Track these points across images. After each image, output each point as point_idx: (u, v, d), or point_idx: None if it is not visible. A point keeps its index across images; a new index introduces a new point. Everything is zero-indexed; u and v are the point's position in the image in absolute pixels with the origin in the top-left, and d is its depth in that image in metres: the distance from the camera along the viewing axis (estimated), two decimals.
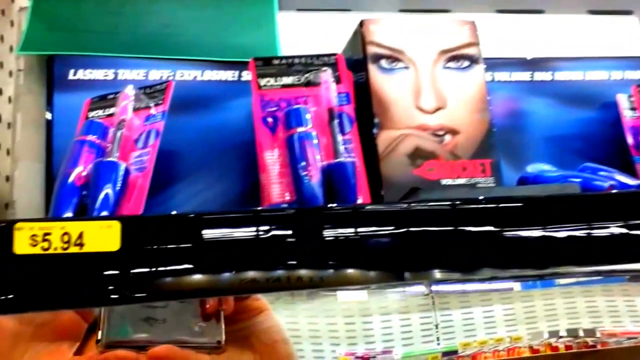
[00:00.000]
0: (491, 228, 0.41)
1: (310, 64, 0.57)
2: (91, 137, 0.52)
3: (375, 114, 0.56)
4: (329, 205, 0.48)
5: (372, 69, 0.58)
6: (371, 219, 0.40)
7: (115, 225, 0.38)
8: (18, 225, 0.37)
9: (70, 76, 0.60)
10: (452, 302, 1.81)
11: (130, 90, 0.55)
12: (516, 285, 1.87)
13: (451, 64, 0.59)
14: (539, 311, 1.88)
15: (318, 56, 0.58)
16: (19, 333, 0.45)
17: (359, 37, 0.59)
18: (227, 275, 0.38)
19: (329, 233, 0.39)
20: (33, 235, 0.37)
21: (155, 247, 0.38)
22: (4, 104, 0.68)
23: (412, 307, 1.75)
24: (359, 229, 0.39)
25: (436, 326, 1.77)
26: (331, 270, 0.39)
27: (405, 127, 0.56)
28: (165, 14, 0.65)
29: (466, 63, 0.59)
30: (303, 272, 0.38)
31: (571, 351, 1.77)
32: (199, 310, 0.48)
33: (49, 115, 0.59)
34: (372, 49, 0.58)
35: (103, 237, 0.37)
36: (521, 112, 0.67)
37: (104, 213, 0.48)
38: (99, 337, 0.46)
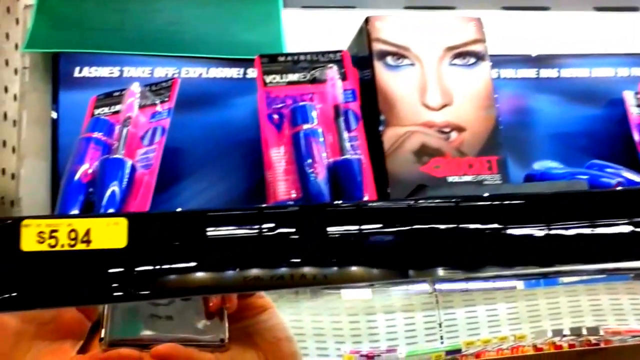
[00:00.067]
0: (495, 225, 0.41)
1: (316, 60, 0.57)
2: (97, 134, 0.52)
3: (381, 111, 0.56)
4: (333, 203, 0.48)
5: (378, 66, 0.57)
6: (375, 216, 0.40)
7: (122, 222, 0.38)
8: (25, 222, 0.37)
9: (76, 74, 0.60)
10: (455, 300, 1.81)
11: (136, 88, 0.55)
12: (520, 284, 1.87)
13: (457, 61, 0.59)
14: (542, 310, 1.87)
15: (324, 53, 0.58)
16: (22, 331, 0.46)
17: (365, 34, 0.59)
18: (231, 272, 0.38)
19: (332, 230, 0.39)
20: (40, 232, 0.37)
21: (162, 244, 0.38)
22: (10, 101, 0.68)
23: (416, 305, 1.75)
24: (363, 226, 0.39)
25: (440, 325, 1.76)
26: (335, 268, 0.39)
27: (411, 124, 0.56)
28: (170, 11, 0.65)
29: (472, 60, 0.59)
30: (307, 270, 0.38)
31: (575, 349, 1.76)
32: (203, 309, 0.48)
33: (54, 113, 0.59)
34: (377, 46, 0.58)
35: (110, 234, 0.38)
36: (527, 109, 0.66)
37: (111, 210, 0.48)
38: (102, 335, 0.46)
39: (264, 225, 0.39)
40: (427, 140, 0.56)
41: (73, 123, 0.57)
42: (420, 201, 0.42)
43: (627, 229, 0.43)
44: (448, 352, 1.73)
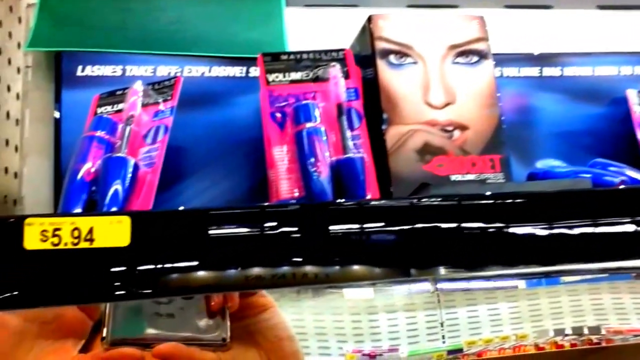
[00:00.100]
0: (498, 224, 0.41)
1: (319, 59, 0.57)
2: (100, 133, 0.52)
3: (384, 110, 0.56)
4: (334, 201, 0.48)
5: (381, 64, 0.57)
6: (377, 214, 0.40)
7: (125, 221, 0.38)
8: (28, 220, 0.37)
9: (79, 72, 0.60)
10: (457, 299, 1.81)
11: (138, 86, 0.55)
12: (521, 283, 1.87)
13: (460, 59, 0.58)
14: (544, 309, 1.87)
15: (326, 51, 0.57)
16: (24, 331, 0.46)
17: (367, 32, 0.59)
18: (234, 270, 0.38)
19: (334, 229, 0.39)
20: (43, 231, 0.37)
21: (165, 242, 0.38)
22: (12, 100, 0.68)
23: (417, 305, 1.75)
24: (365, 225, 0.39)
25: (441, 324, 1.76)
26: (337, 267, 0.39)
27: (414, 122, 0.56)
28: (172, 10, 0.65)
29: (475, 58, 0.59)
30: (309, 269, 0.38)
31: (578, 348, 1.76)
32: (204, 308, 0.48)
33: (56, 112, 0.59)
34: (380, 45, 0.58)
35: (113, 232, 0.37)
36: (530, 107, 0.66)
37: (114, 209, 0.48)
38: (104, 334, 0.46)
39: (266, 224, 0.39)
40: (430, 138, 0.56)
41: (75, 122, 0.57)
42: (423, 200, 0.41)
43: (630, 227, 0.43)
44: (450, 352, 1.73)
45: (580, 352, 1.79)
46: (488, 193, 0.42)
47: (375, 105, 0.57)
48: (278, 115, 0.54)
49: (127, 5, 0.64)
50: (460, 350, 1.74)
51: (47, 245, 0.37)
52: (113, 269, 0.37)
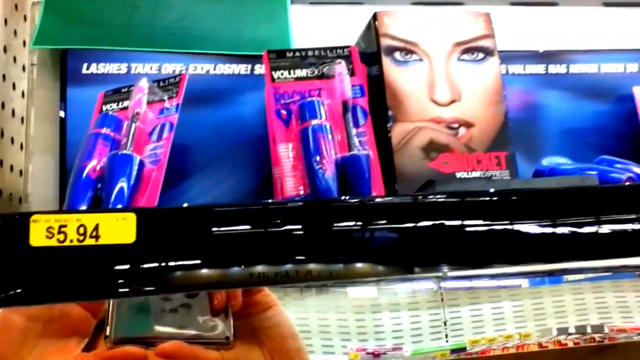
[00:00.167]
0: (502, 222, 0.41)
1: (324, 56, 0.57)
2: (106, 130, 0.52)
3: (389, 107, 0.56)
4: (338, 198, 0.48)
5: (386, 61, 0.57)
6: (380, 212, 0.40)
7: (131, 218, 0.38)
8: (34, 217, 0.37)
9: (84, 70, 0.60)
10: (460, 298, 1.81)
11: (144, 83, 0.55)
12: (525, 282, 1.87)
13: (466, 56, 0.58)
14: (547, 308, 1.87)
15: (332, 49, 0.57)
16: (28, 330, 0.46)
17: (373, 29, 0.59)
18: (238, 267, 0.38)
19: (338, 226, 0.39)
20: (49, 228, 0.37)
21: (170, 238, 0.38)
22: (18, 98, 0.68)
23: (421, 303, 1.75)
24: (368, 222, 0.39)
25: (445, 323, 1.76)
26: (340, 264, 0.39)
27: (420, 119, 0.56)
28: (178, 7, 0.65)
29: (481, 55, 0.58)
30: (312, 266, 0.38)
31: (582, 345, 1.76)
32: (208, 307, 0.48)
33: (62, 109, 0.59)
34: (386, 42, 0.58)
35: (119, 229, 0.37)
36: (536, 105, 0.66)
37: (119, 206, 0.48)
38: (107, 333, 0.46)
39: (270, 221, 0.39)
40: (436, 136, 0.56)
41: (81, 119, 0.57)
42: (427, 197, 0.41)
43: (638, 225, 0.42)
44: (453, 351, 1.73)
45: (586, 350, 1.78)
46: (492, 190, 0.42)
47: (380, 103, 0.57)
48: (283, 112, 0.54)
49: (132, 3, 0.64)
50: (463, 349, 1.74)
51: (53, 242, 0.37)
52: (119, 266, 0.37)
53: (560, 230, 0.41)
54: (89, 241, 0.37)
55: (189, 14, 0.65)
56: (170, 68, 0.62)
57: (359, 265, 0.39)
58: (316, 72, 0.56)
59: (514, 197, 0.42)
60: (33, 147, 0.63)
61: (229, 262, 0.38)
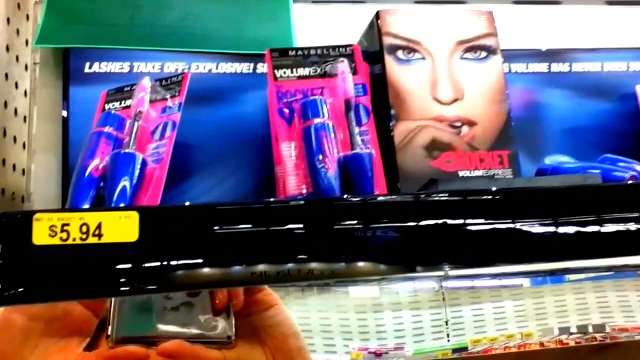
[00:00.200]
0: (505, 220, 0.40)
1: (327, 55, 0.57)
2: (108, 129, 0.52)
3: (392, 105, 0.56)
4: (339, 197, 0.48)
5: (389, 60, 0.57)
6: (382, 210, 0.40)
7: (134, 216, 0.38)
8: (37, 215, 0.37)
9: (86, 69, 0.60)
10: (462, 298, 1.81)
11: (146, 82, 0.55)
12: (526, 282, 1.87)
13: (468, 55, 0.58)
14: (549, 307, 1.87)
15: (334, 47, 0.57)
16: (29, 329, 0.45)
17: (375, 28, 0.59)
18: (239, 266, 0.38)
19: (340, 225, 0.39)
20: (52, 226, 0.37)
21: (173, 237, 0.38)
22: (20, 97, 0.68)
23: (422, 303, 1.75)
24: (370, 221, 0.39)
25: (446, 322, 1.76)
26: (342, 262, 0.39)
27: (422, 118, 0.56)
28: (180, 6, 0.65)
29: (484, 54, 0.58)
30: (314, 265, 0.38)
31: (584, 344, 1.76)
32: (209, 306, 0.48)
33: (64, 108, 0.59)
34: (388, 40, 0.58)
35: (121, 227, 0.37)
36: (538, 103, 0.66)
37: (122, 205, 0.48)
38: (109, 332, 0.46)
39: (272, 220, 0.38)
40: (438, 134, 0.56)
41: (83, 118, 0.57)
42: (428, 195, 0.41)
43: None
44: (454, 350, 1.73)
45: (588, 349, 1.78)
46: (494, 189, 0.42)
47: (383, 101, 0.57)
48: (286, 111, 0.54)
49: (134, 2, 0.64)
50: (465, 349, 1.74)
51: (55, 241, 0.37)
52: (121, 264, 0.37)
53: (563, 229, 0.41)
54: (92, 240, 0.37)
55: (191, 13, 0.65)
56: (172, 67, 0.62)
57: (361, 264, 0.39)
58: (319, 70, 0.56)
59: (517, 196, 0.42)
60: (35, 146, 0.63)
61: (231, 260, 0.38)
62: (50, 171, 0.60)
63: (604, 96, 0.67)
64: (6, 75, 0.64)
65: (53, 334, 0.46)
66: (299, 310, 1.57)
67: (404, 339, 1.68)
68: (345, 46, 0.58)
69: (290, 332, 0.50)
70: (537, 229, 0.41)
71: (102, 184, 0.50)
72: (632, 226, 0.42)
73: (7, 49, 0.65)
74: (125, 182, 0.49)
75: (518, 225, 0.41)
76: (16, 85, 0.67)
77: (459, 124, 0.56)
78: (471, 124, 0.56)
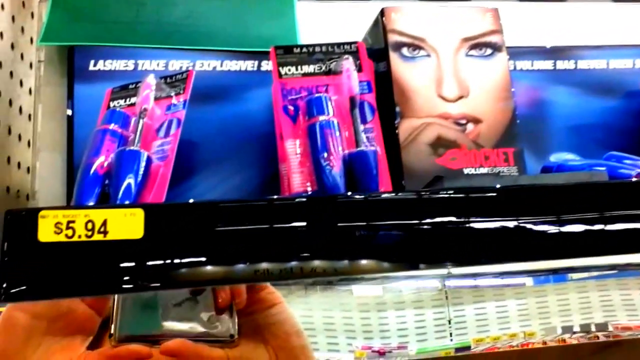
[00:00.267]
0: (509, 218, 0.40)
1: (332, 52, 0.57)
2: (113, 126, 0.52)
3: (397, 103, 0.56)
4: (343, 194, 0.48)
5: (394, 57, 0.57)
6: (386, 208, 0.40)
7: (139, 213, 0.38)
8: (42, 213, 0.37)
9: (91, 67, 0.60)
10: (465, 297, 1.80)
11: (151, 80, 0.55)
12: (529, 280, 1.86)
13: (474, 52, 0.58)
14: (552, 306, 1.87)
15: (339, 44, 0.57)
16: (32, 327, 0.46)
17: (380, 25, 0.58)
18: (243, 264, 0.38)
19: (343, 222, 0.39)
20: (57, 223, 0.37)
21: (178, 234, 0.38)
22: (25, 95, 0.68)
23: (425, 302, 1.75)
24: (373, 218, 0.39)
25: (449, 321, 1.76)
26: (345, 260, 0.39)
27: (427, 115, 0.56)
28: (185, 4, 0.65)
29: (489, 51, 0.58)
30: (317, 262, 0.38)
31: (589, 342, 1.76)
32: (212, 305, 0.48)
33: (69, 106, 0.59)
34: (393, 37, 0.58)
35: (127, 224, 0.38)
36: (543, 101, 0.66)
37: (127, 202, 0.48)
38: (112, 331, 0.46)
39: (276, 217, 0.38)
40: (443, 132, 0.55)
41: (88, 116, 0.57)
42: (432, 193, 0.41)
43: None
44: (457, 349, 1.73)
45: (591, 348, 1.78)
46: (499, 186, 0.42)
47: (388, 99, 0.57)
48: (290, 108, 0.54)
49: (138, 0, 0.64)
50: (468, 348, 1.74)
51: (61, 238, 0.37)
52: (127, 261, 0.37)
53: (569, 227, 0.41)
54: (97, 237, 0.37)
55: (195, 11, 0.65)
56: (177, 64, 0.62)
57: (364, 261, 0.39)
58: (323, 68, 0.56)
59: (522, 194, 0.42)
60: (40, 144, 0.63)
61: (234, 258, 0.38)
62: (55, 169, 0.60)
63: (610, 93, 0.67)
64: (11, 73, 0.65)
65: (56, 332, 0.46)
66: (302, 309, 1.57)
67: (407, 338, 1.68)
68: (350, 43, 0.57)
69: (293, 330, 0.50)
70: (542, 226, 0.41)
71: (107, 182, 0.50)
72: (638, 224, 0.42)
73: (12, 47, 0.65)
74: (130, 180, 0.49)
75: (523, 223, 0.41)
76: (21, 83, 0.67)
77: (464, 121, 0.56)
78: (476, 121, 0.56)
